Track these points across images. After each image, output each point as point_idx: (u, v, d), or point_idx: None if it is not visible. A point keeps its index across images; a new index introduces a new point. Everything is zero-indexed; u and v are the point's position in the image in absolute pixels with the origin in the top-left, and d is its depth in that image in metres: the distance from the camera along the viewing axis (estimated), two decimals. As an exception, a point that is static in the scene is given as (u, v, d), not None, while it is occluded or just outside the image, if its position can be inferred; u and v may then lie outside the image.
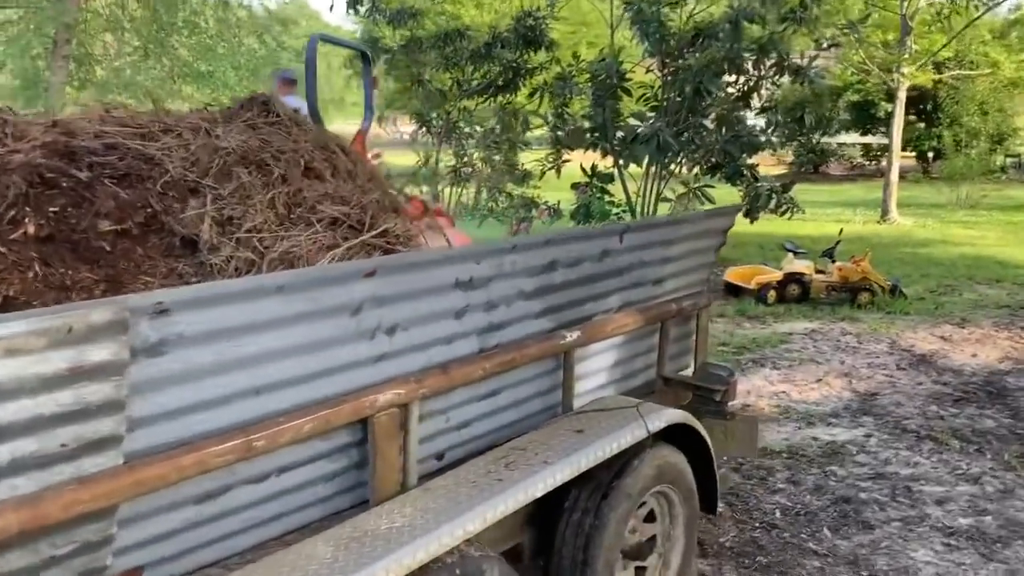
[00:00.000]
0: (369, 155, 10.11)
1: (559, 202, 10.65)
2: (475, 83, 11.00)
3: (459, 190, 11.29)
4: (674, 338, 3.23)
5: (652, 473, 2.60)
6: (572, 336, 2.64)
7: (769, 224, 10.18)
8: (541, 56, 10.87)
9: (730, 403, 3.20)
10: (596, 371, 2.88)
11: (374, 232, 2.24)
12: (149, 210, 2.30)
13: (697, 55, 9.03)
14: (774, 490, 3.96)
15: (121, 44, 17.83)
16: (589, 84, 10.15)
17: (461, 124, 11.24)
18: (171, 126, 2.54)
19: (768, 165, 19.25)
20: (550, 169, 11.13)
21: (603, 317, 2.81)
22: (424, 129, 11.28)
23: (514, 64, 10.73)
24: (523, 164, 11.32)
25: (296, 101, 7.86)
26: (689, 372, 3.37)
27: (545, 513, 2.52)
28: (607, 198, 9.99)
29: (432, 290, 2.17)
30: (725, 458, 3.98)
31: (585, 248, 2.64)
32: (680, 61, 9.32)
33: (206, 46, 17.56)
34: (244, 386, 1.80)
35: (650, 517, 2.78)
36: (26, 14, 16.89)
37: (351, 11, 11.03)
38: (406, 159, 11.59)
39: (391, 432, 2.11)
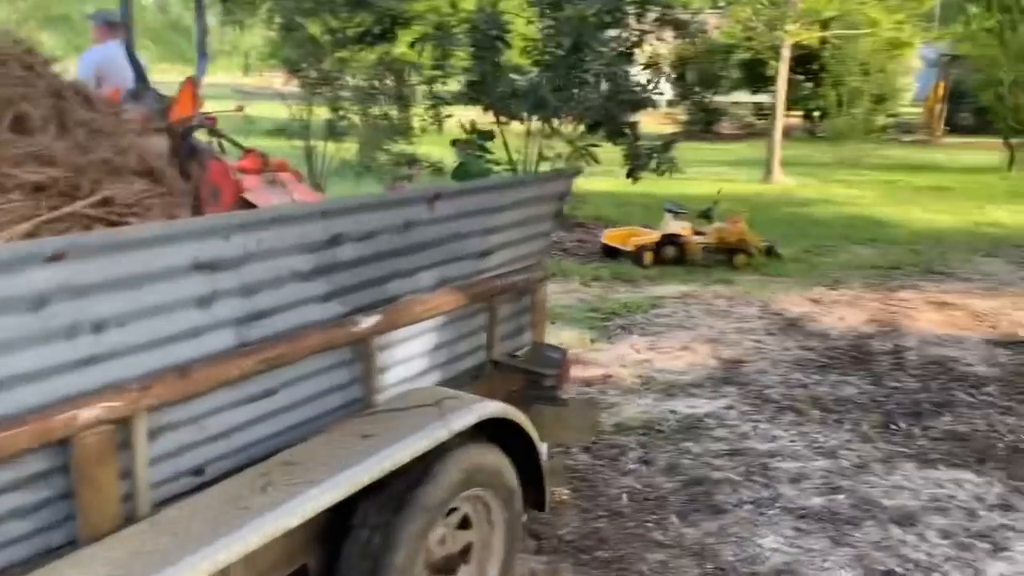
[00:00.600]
0: (231, 107, 9.38)
1: (440, 160, 10.22)
2: (349, 32, 10.37)
3: (336, 146, 10.65)
4: (505, 317, 2.89)
5: (460, 478, 2.25)
6: (369, 322, 2.27)
7: (654, 184, 10.00)
8: (421, 5, 10.32)
9: (566, 383, 2.89)
10: (407, 359, 2.51)
11: (89, 200, 1.79)
12: None
13: (577, 6, 8.65)
14: (624, 471, 3.71)
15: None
16: (468, 35, 9.69)
17: (336, 75, 10.58)
18: None
19: (660, 123, 19.23)
20: (431, 125, 10.66)
21: (413, 298, 2.43)
22: (297, 81, 10.57)
23: (390, 12, 10.15)
24: (402, 118, 10.77)
25: (117, 48, 7.14)
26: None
27: (337, 527, 2.16)
28: (488, 157, 9.58)
29: (159, 275, 1.74)
30: (562, 447, 3.70)
31: (381, 219, 2.24)
32: (559, 13, 8.93)
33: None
34: None
35: (465, 523, 2.45)
36: None
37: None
38: (277, 112, 10.88)
39: (102, 454, 1.69)
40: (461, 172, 9.27)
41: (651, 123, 14.10)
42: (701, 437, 4.10)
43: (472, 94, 9.94)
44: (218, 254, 1.84)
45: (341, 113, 10.58)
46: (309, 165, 10.64)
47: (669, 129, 16.69)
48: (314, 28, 10.57)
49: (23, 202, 1.76)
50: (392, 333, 2.40)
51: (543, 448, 2.59)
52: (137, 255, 1.69)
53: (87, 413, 1.65)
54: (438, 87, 10.52)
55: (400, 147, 10.57)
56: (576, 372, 4.70)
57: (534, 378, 2.81)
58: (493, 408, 2.34)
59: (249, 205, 6.63)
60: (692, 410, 4.44)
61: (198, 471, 2.00)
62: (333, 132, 10.61)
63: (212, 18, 12.01)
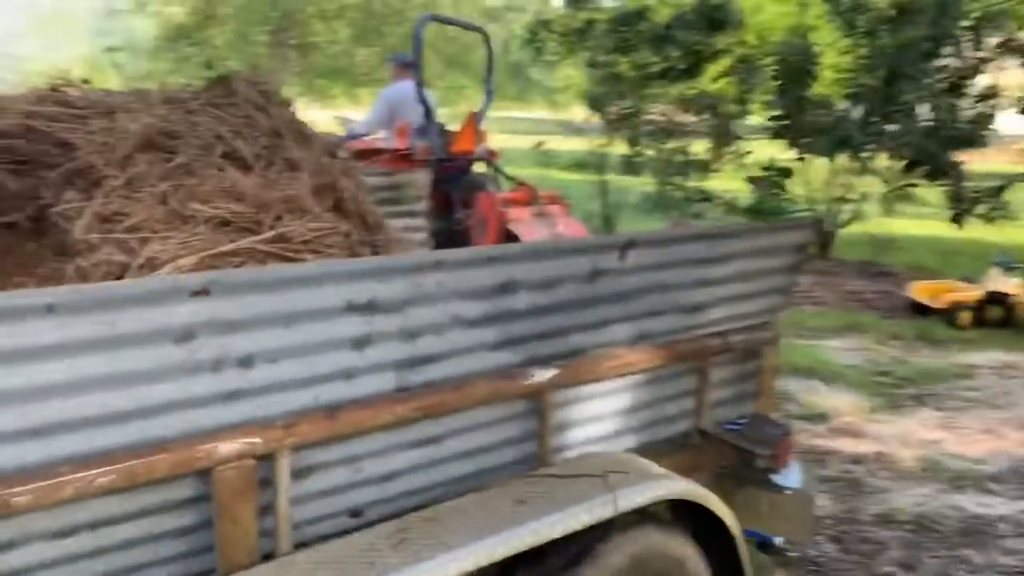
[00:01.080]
0: (534, 142, 9.53)
1: (736, 197, 9.79)
2: (655, 67, 10.32)
3: (631, 181, 10.64)
4: (722, 382, 2.58)
5: (624, 563, 2.00)
6: (545, 375, 2.11)
7: (986, 231, 8.75)
8: (727, 38, 10.00)
9: (784, 466, 2.49)
10: (593, 419, 2.31)
11: (261, 237, 1.83)
12: (41, 202, 2.03)
13: (894, 35, 7.84)
14: (877, 574, 3.16)
15: (334, 32, 18.55)
16: (775, 68, 9.22)
17: (637, 111, 10.57)
18: (114, 107, 2.26)
19: (1010, 161, 16.89)
20: (731, 160, 10.31)
21: (600, 352, 2.24)
22: (597, 116, 10.72)
23: (697, 47, 9.95)
24: (701, 153, 10.48)
25: (411, 86, 7.59)
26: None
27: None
28: (784, 195, 9.01)
29: (309, 314, 1.73)
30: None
31: (561, 266, 2.08)
32: (877, 41, 8.16)
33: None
34: (9, 427, 1.46)
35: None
36: (249, 3, 17.95)
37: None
38: (576, 146, 11.10)
39: (242, 489, 1.70)
40: (754, 210, 8.82)
41: (996, 159, 12.41)
42: (988, 546, 3.40)
43: (776, 128, 9.43)
44: (374, 296, 1.79)
45: (638, 148, 10.55)
46: (603, 200, 10.71)
47: (1017, 169, 14.60)
48: (620, 66, 10.66)
49: (205, 236, 1.84)
50: (575, 389, 2.22)
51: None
52: (286, 294, 1.68)
53: (228, 447, 1.67)
54: (741, 121, 10.14)
55: (695, 182, 10.29)
56: (843, 445, 4.17)
57: (745, 456, 2.46)
58: (673, 487, 2.06)
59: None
60: (983, 510, 3.71)
61: (356, 513, 1.97)
62: (630, 167, 10.61)
63: (522, 56, 12.65)
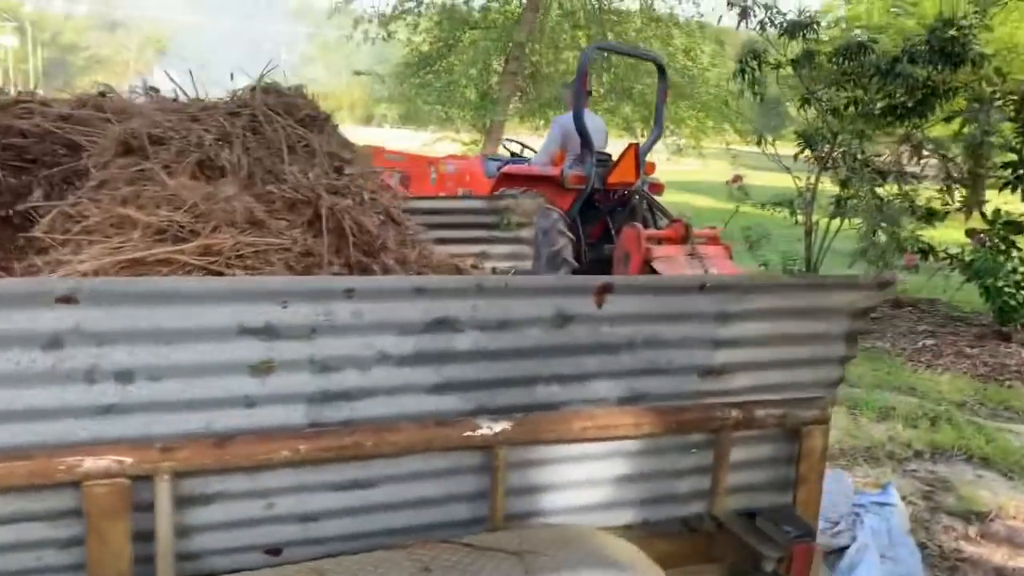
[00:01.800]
0: (729, 176, 9.25)
1: (962, 250, 8.68)
2: (878, 103, 9.44)
3: (842, 224, 9.76)
4: (748, 462, 2.19)
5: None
6: (495, 427, 1.87)
7: None
8: (964, 75, 8.95)
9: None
10: (566, 486, 2.03)
11: (180, 247, 1.76)
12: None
13: None
14: None
15: (563, 63, 18.85)
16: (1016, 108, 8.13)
17: (854, 149, 9.70)
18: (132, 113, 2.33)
19: None
20: (958, 209, 9.22)
21: (571, 410, 1.96)
22: (807, 152, 9.95)
23: (929, 84, 8.99)
24: (923, 199, 9.42)
25: (584, 115, 7.46)
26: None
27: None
28: (1016, 253, 7.85)
29: (195, 333, 1.63)
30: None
31: (516, 307, 1.84)
32: None
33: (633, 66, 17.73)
34: None
35: None
36: (487, 33, 18.69)
37: (742, 24, 10.16)
38: (783, 182, 10.39)
39: (112, 507, 1.63)
40: (972, 267, 7.80)
41: None
42: None
43: (1010, 178, 8.29)
44: (272, 320, 1.66)
45: (852, 190, 9.68)
46: (807, 242, 9.92)
47: None
48: (839, 100, 9.86)
49: (136, 243, 1.80)
50: (542, 448, 1.96)
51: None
52: (166, 309, 1.60)
53: (98, 462, 1.60)
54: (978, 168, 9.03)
55: (913, 230, 9.25)
56: (991, 553, 3.49)
57: (752, 555, 2.05)
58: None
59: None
60: None
61: (273, 551, 1.84)
62: (840, 209, 9.75)
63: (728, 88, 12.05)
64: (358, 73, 18.53)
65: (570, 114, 7.48)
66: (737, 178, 9.72)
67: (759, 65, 9.75)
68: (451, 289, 1.78)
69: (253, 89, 2.46)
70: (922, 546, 3.62)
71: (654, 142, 8.41)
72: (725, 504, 2.15)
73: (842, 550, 3.46)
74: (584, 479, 2.06)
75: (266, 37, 66.05)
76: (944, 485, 4.25)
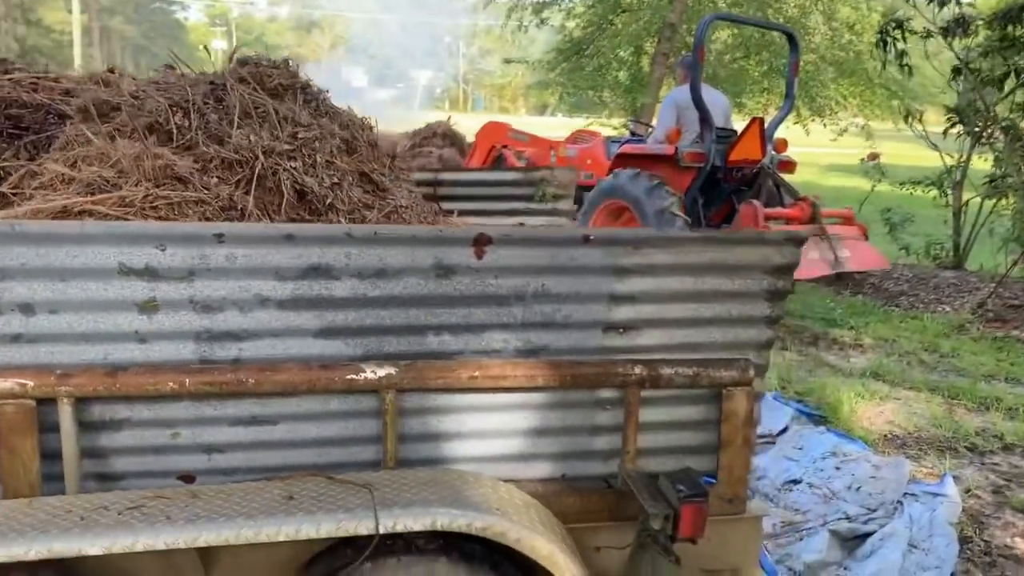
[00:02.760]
0: (866, 154, 8.73)
1: None
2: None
3: (995, 204, 8.94)
4: (664, 422, 2.14)
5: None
6: (379, 372, 1.95)
7: None
8: None
9: (689, 536, 1.97)
10: (466, 435, 2.07)
11: (102, 196, 1.96)
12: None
13: None
14: None
15: (715, 42, 18.28)
16: None
17: (1014, 124, 8.85)
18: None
19: None
20: None
21: (460, 359, 2.00)
22: (958, 128, 9.16)
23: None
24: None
25: (701, 90, 7.14)
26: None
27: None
28: None
29: (83, 272, 1.82)
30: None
31: (390, 255, 1.91)
32: None
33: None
34: None
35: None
36: (639, 15, 18.46)
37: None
38: (923, 160, 9.65)
39: (19, 425, 1.85)
40: None
41: None
42: None
43: None
44: (151, 263, 1.83)
45: (1007, 168, 8.85)
46: (955, 224, 9.18)
47: None
48: (997, 71, 9.03)
49: (70, 196, 2.02)
50: (437, 396, 2.02)
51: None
52: (54, 249, 1.79)
53: (3, 384, 1.83)
54: None
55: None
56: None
57: (641, 513, 2.00)
58: (461, 519, 1.77)
59: None
60: None
61: (186, 477, 2.02)
62: (994, 189, 8.95)
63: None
64: (507, 61, 18.82)
65: (683, 88, 7.20)
66: (874, 155, 9.13)
67: (903, 34, 9.08)
68: (321, 237, 1.88)
69: (241, 61, 2.65)
70: (967, 540, 3.34)
71: (784, 117, 7.87)
72: (639, 464, 2.12)
73: (868, 535, 3.28)
74: (491, 429, 2.09)
75: (447, 31, 68.23)
76: None
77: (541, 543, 1.83)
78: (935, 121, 9.24)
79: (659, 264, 2.01)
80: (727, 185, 7.41)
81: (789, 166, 7.57)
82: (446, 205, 3.77)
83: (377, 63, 55.18)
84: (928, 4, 9.19)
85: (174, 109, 2.33)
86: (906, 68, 9.57)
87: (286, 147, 2.39)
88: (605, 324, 2.06)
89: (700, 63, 7.08)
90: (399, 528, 1.76)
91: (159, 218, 2.03)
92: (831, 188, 14.15)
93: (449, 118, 12.06)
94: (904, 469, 3.84)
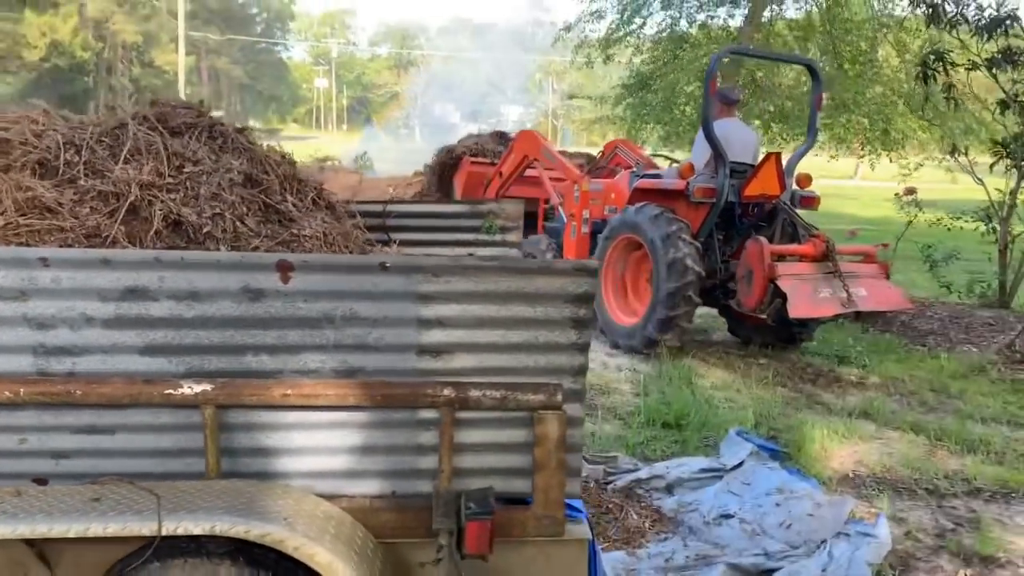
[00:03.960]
0: (904, 188, 8.44)
1: None
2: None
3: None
4: (482, 444, 2.22)
5: (173, 587, 1.92)
6: (194, 388, 2.11)
7: None
8: None
9: (476, 551, 2.03)
10: (291, 452, 2.20)
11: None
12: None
13: None
14: None
15: (778, 75, 18.06)
16: None
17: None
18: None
19: None
20: None
21: (276, 379, 2.14)
22: (1005, 158, 8.82)
23: None
24: None
25: (731, 124, 7.11)
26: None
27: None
28: None
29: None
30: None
31: (199, 279, 2.06)
32: None
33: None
34: None
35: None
36: (705, 50, 18.42)
37: (931, 24, 9.27)
38: (960, 194, 9.32)
39: None
40: None
41: None
42: None
43: None
44: (-18, 282, 2.04)
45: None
46: (1001, 261, 8.82)
47: None
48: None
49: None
50: (260, 413, 2.16)
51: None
52: None
53: None
54: None
55: None
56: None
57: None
58: (234, 525, 1.90)
59: (780, 294, 5.96)
60: None
61: (40, 480, 2.21)
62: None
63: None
64: (571, 97, 19.08)
65: (719, 123, 7.10)
66: (910, 190, 8.88)
67: (944, 67, 8.85)
68: (134, 261, 2.06)
69: (147, 103, 2.88)
70: (888, 582, 3.26)
71: (805, 152, 7.83)
72: (463, 484, 2.20)
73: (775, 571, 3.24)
74: (314, 446, 2.21)
75: (539, 68, 69.30)
76: (976, 525, 3.74)
77: (321, 552, 1.94)
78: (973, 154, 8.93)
79: (460, 291, 2.11)
80: (745, 221, 7.35)
81: (812, 201, 7.43)
82: (396, 236, 3.94)
83: (470, 99, 56.46)
84: (971, 37, 8.97)
85: (67, 146, 2.57)
86: (952, 102, 9.32)
87: (168, 180, 2.59)
88: (418, 347, 2.17)
89: (711, 96, 7.06)
90: (180, 531, 1.90)
91: (19, 244, 2.25)
92: (877, 219, 13.71)
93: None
94: (845, 509, 3.77)
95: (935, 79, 8.91)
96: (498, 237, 4.11)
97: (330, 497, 2.22)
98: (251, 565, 1.97)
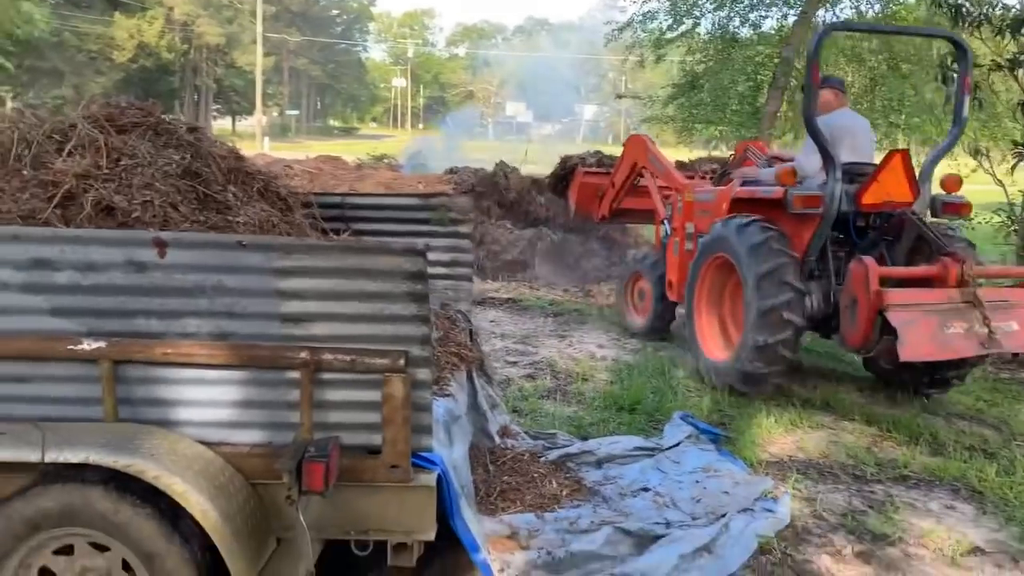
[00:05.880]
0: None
1: None
2: None
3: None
4: (340, 402, 2.56)
5: (54, 509, 2.32)
6: (91, 345, 2.50)
7: None
8: None
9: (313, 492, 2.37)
10: (177, 403, 2.57)
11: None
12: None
13: None
14: None
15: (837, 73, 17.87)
16: None
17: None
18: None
19: None
20: None
21: (161, 340, 2.52)
22: (1028, 163, 8.68)
23: None
24: None
25: (844, 115, 6.03)
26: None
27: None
28: None
29: None
30: None
31: (91, 253, 2.45)
32: None
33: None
34: None
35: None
36: (757, 49, 18.39)
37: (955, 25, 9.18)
38: (979, 198, 9.15)
39: None
40: None
41: None
42: None
43: None
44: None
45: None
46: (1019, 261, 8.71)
47: None
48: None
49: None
50: (147, 369, 2.54)
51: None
52: None
53: None
54: None
55: None
56: None
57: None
58: (103, 457, 2.29)
59: (889, 328, 4.70)
60: None
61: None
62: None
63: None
64: (620, 96, 19.20)
65: (834, 115, 5.83)
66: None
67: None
68: (38, 237, 2.45)
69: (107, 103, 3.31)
70: (767, 551, 3.46)
71: (949, 147, 6.17)
72: (317, 435, 2.54)
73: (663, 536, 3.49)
74: (198, 399, 2.58)
75: (612, 67, 69.18)
76: (883, 508, 3.90)
77: (178, 483, 2.32)
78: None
79: (310, 267, 2.45)
80: (871, 234, 5.86)
81: (960, 209, 5.81)
82: (355, 226, 4.31)
83: (544, 98, 56.81)
84: (994, 36, 8.88)
85: (20, 142, 3.01)
86: (977, 102, 9.22)
87: (104, 172, 3.01)
88: (281, 316, 2.51)
89: (813, 83, 5.58)
90: (60, 460, 2.29)
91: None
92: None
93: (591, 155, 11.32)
94: (759, 488, 3.98)
95: (954, 80, 8.84)
96: (451, 229, 4.45)
97: (217, 445, 2.58)
98: (119, 491, 2.35)
